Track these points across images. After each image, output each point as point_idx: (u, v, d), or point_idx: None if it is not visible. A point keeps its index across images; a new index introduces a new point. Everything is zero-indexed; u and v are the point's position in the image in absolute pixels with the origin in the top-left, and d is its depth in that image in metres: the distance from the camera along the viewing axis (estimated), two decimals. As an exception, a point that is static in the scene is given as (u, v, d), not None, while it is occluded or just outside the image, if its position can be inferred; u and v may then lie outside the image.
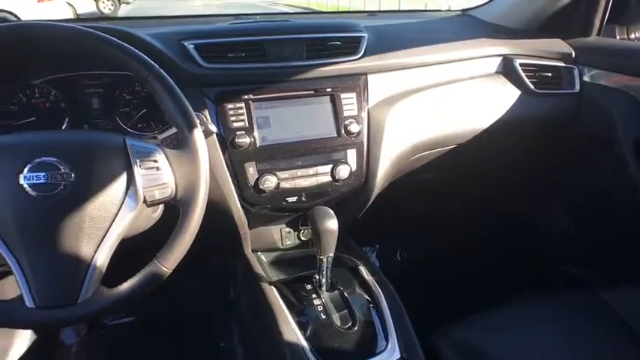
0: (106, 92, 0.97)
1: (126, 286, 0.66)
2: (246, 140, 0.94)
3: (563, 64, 1.26)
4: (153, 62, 0.70)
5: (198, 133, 0.70)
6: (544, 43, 1.29)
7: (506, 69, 1.23)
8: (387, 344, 0.84)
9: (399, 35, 1.21)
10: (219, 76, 0.96)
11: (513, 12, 1.39)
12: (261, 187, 0.95)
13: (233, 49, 0.97)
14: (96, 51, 0.69)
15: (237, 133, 0.94)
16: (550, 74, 1.24)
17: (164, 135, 0.98)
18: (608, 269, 1.30)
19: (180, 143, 0.71)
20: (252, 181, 0.95)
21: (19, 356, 1.28)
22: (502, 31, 1.34)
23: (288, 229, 1.15)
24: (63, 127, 0.94)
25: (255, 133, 0.96)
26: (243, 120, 0.95)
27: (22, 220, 0.62)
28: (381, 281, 0.98)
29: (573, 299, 1.00)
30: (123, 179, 0.66)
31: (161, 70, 0.71)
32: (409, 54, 1.14)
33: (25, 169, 0.62)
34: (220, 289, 1.42)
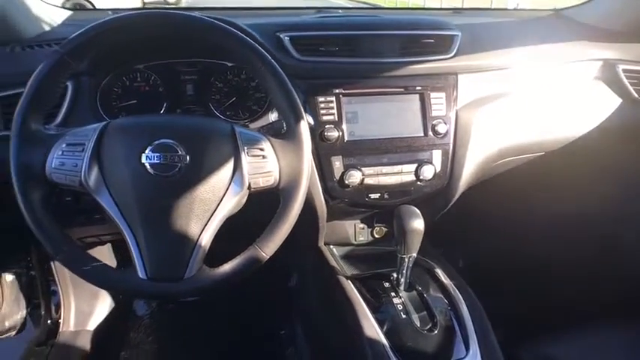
0: (200, 79, 1.01)
1: (227, 267, 0.69)
2: (334, 134, 0.95)
3: (674, 72, 1.16)
4: (266, 53, 0.72)
5: (304, 125, 0.72)
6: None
7: (607, 75, 1.16)
8: (467, 352, 0.83)
9: (491, 35, 1.17)
10: (312, 69, 0.97)
11: (616, 13, 1.29)
12: (345, 181, 0.95)
13: (327, 42, 0.98)
14: (215, 40, 0.72)
15: (327, 126, 0.95)
16: (657, 82, 1.15)
17: (255, 124, 1.00)
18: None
19: (286, 133, 0.73)
20: (337, 175, 0.96)
21: (99, 322, 1.38)
22: (602, 34, 1.25)
23: (362, 225, 1.15)
24: (161, 111, 0.99)
25: (344, 128, 0.96)
26: (332, 114, 0.96)
27: (140, 196, 0.66)
28: (460, 285, 0.96)
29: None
30: (230, 165, 0.69)
31: (273, 61, 0.72)
32: (502, 55, 1.10)
33: (147, 149, 0.66)
34: (281, 277, 1.45)
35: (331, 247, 1.16)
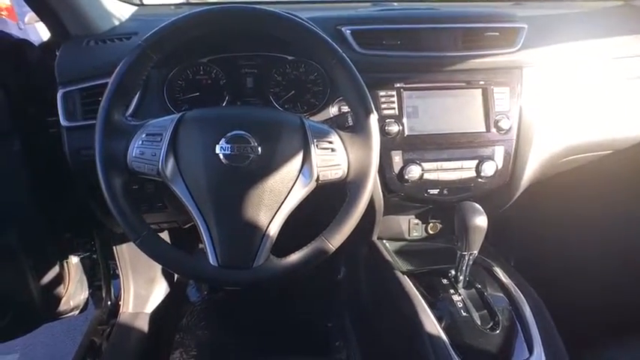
0: (259, 72, 1.02)
1: (294, 257, 0.70)
2: (394, 128, 0.94)
3: None
4: (339, 49, 0.72)
5: (373, 119, 0.72)
6: None
7: (681, 69, 1.09)
8: (530, 353, 0.81)
9: (558, 27, 1.12)
10: (373, 62, 0.96)
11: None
12: (405, 176, 0.95)
13: (389, 36, 0.97)
14: (287, 34, 0.73)
15: (387, 120, 0.94)
16: None
17: (315, 118, 1.01)
18: None
19: (355, 127, 0.73)
20: (396, 170, 0.95)
21: (155, 305, 1.44)
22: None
23: (416, 221, 1.14)
24: (223, 104, 1.01)
25: (404, 122, 0.95)
26: (393, 108, 0.95)
27: (214, 185, 0.68)
28: (521, 284, 0.94)
29: None
30: (300, 157, 0.70)
31: (345, 56, 0.72)
32: (569, 48, 1.05)
33: (222, 140, 0.68)
34: (330, 270, 1.46)
35: (384, 241, 1.16)
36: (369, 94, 0.72)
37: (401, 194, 0.99)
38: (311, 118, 1.01)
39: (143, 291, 1.41)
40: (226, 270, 0.69)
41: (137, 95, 0.91)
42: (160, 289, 1.45)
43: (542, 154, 1.00)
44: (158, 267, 1.43)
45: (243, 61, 1.02)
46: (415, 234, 1.15)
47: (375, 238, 1.14)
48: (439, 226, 1.16)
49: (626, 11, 1.35)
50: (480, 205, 1.02)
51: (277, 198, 0.69)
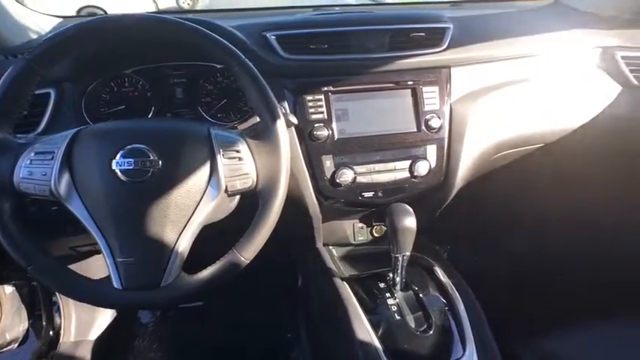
0: (189, 83, 1.00)
1: (205, 273, 0.68)
2: (324, 133, 0.93)
3: (674, 57, 1.12)
4: (240, 53, 0.71)
5: (280, 124, 0.70)
6: (651, 33, 1.16)
7: (606, 62, 1.12)
8: (464, 352, 0.80)
9: (485, 26, 1.14)
10: (300, 67, 0.95)
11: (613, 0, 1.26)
12: (337, 180, 0.93)
13: (315, 40, 0.96)
14: (187, 41, 0.71)
15: (316, 125, 0.93)
16: (658, 68, 1.11)
17: (244, 125, 0.99)
18: None
19: (263, 134, 0.71)
20: (328, 174, 0.94)
21: (100, 331, 1.37)
22: (601, 21, 1.21)
23: (361, 225, 1.13)
24: (149, 116, 0.98)
25: (334, 126, 0.94)
26: (322, 112, 0.94)
27: (113, 204, 0.64)
28: (458, 284, 0.93)
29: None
30: (206, 168, 0.68)
31: (247, 60, 0.71)
32: (496, 46, 1.07)
33: (118, 155, 0.65)
34: (287, 280, 1.43)
35: (330, 247, 1.14)
36: (274, 100, 0.71)
37: (337, 199, 0.98)
38: (242, 126, 0.99)
39: (86, 317, 1.35)
40: (132, 292, 0.65)
41: (49, 111, 0.87)
42: (105, 314, 1.39)
43: (475, 151, 1.01)
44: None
45: (171, 71, 1.00)
46: (360, 238, 1.14)
47: (319, 244, 1.12)
48: (384, 228, 1.14)
49: (555, 8, 1.39)
50: (418, 205, 1.02)
51: (184, 212, 0.66)
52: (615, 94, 1.11)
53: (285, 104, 0.94)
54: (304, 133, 0.93)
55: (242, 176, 0.68)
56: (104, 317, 1.38)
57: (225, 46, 0.70)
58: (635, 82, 1.10)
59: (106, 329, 1.37)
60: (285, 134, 0.71)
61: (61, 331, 1.32)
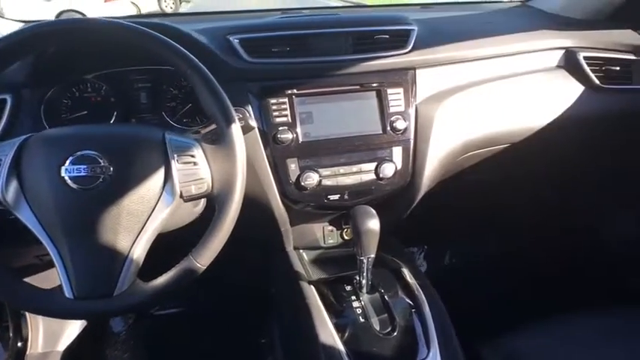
0: (153, 87, 0.98)
1: (161, 280, 0.66)
2: (288, 136, 0.92)
3: (633, 57, 1.15)
4: (192, 56, 0.70)
5: (236, 128, 0.69)
6: (612, 34, 1.18)
7: (569, 63, 1.14)
8: (428, 352, 0.80)
9: (451, 28, 1.15)
10: (263, 70, 0.95)
11: (579, 1, 1.28)
12: (302, 183, 0.93)
13: (277, 43, 0.96)
14: (138, 45, 0.70)
15: (280, 128, 0.92)
16: (618, 68, 1.14)
17: (208, 129, 0.98)
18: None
19: (218, 138, 0.70)
20: (293, 178, 0.93)
21: (69, 341, 1.34)
22: (565, 23, 1.24)
23: (330, 228, 1.12)
24: (111, 121, 0.97)
25: (298, 129, 0.94)
26: (285, 115, 0.93)
27: (63, 211, 0.63)
28: (424, 285, 0.94)
29: (636, 314, 0.90)
30: (160, 174, 0.67)
31: (200, 63, 0.70)
32: (461, 47, 1.08)
33: (67, 162, 0.63)
34: (262, 284, 1.42)
35: (301, 251, 1.14)
36: (228, 103, 0.70)
37: (306, 203, 0.98)
38: (205, 130, 0.98)
39: (55, 327, 1.32)
40: (83, 302, 0.64)
41: (5, 118, 0.85)
42: (74, 324, 1.36)
43: (441, 151, 1.01)
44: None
45: (136, 76, 0.98)
46: (331, 241, 1.13)
47: (289, 248, 1.11)
48: None
49: (524, 10, 1.42)
50: (386, 206, 1.02)
51: (137, 219, 0.65)
52: (578, 94, 1.12)
53: (249, 108, 0.93)
54: (268, 137, 0.93)
55: (197, 181, 0.68)
56: (73, 327, 1.35)
57: (176, 48, 0.69)
58: (597, 82, 1.12)
59: (75, 339, 1.34)
60: (240, 138, 0.70)
61: (29, 343, 1.28)
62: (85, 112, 0.96)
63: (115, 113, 0.97)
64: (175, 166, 0.67)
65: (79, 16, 1.36)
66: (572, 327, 0.89)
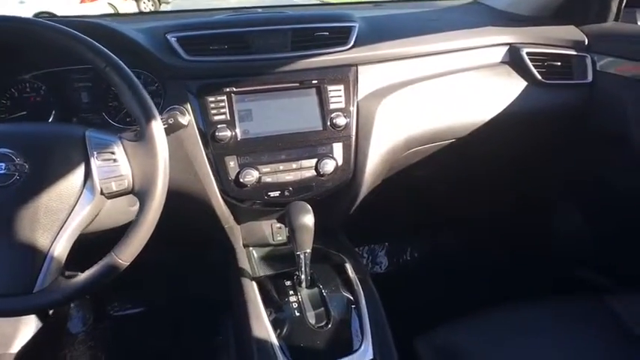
0: (94, 86, 0.98)
1: (82, 277, 0.67)
2: (227, 134, 0.93)
3: (574, 53, 1.17)
4: (110, 53, 0.70)
5: (156, 125, 0.69)
6: (554, 30, 1.20)
7: (512, 58, 1.16)
8: (360, 345, 0.81)
9: (395, 25, 1.16)
10: (202, 68, 0.95)
11: (525, -2, 1.31)
12: (241, 180, 0.93)
13: (215, 41, 0.96)
14: (54, 43, 0.69)
15: (218, 126, 0.93)
16: (559, 63, 1.16)
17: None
18: (620, 273, 1.21)
19: (139, 135, 0.70)
20: (232, 175, 0.94)
21: (24, 343, 1.33)
22: (511, 19, 1.26)
23: (279, 225, 1.13)
24: (49, 120, 0.96)
25: (237, 127, 0.94)
26: (224, 113, 0.94)
27: None
28: (364, 280, 0.95)
29: (573, 304, 0.93)
30: (80, 171, 0.67)
31: (118, 60, 0.70)
32: (404, 44, 1.09)
33: None
34: (219, 283, 1.43)
35: (250, 249, 1.14)
36: (149, 99, 0.70)
37: (247, 200, 0.98)
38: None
39: (8, 329, 1.30)
40: (3, 299, 0.63)
41: None
42: (29, 325, 1.34)
43: (383, 148, 1.02)
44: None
45: (76, 75, 0.97)
46: (279, 238, 1.14)
47: (237, 245, 1.12)
48: None
49: (473, 7, 1.44)
50: (330, 203, 1.03)
51: (57, 216, 0.65)
52: (521, 90, 1.14)
53: (188, 106, 0.94)
54: (207, 135, 0.93)
55: (117, 178, 0.68)
56: (28, 329, 1.34)
57: (93, 45, 0.69)
58: (539, 77, 1.14)
59: (30, 341, 1.32)
60: (161, 135, 0.70)
61: None
62: (25, 112, 0.96)
63: (54, 113, 0.96)
64: (95, 163, 0.67)
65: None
66: (506, 318, 0.91)
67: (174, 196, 0.93)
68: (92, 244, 0.73)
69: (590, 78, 1.15)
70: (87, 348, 1.46)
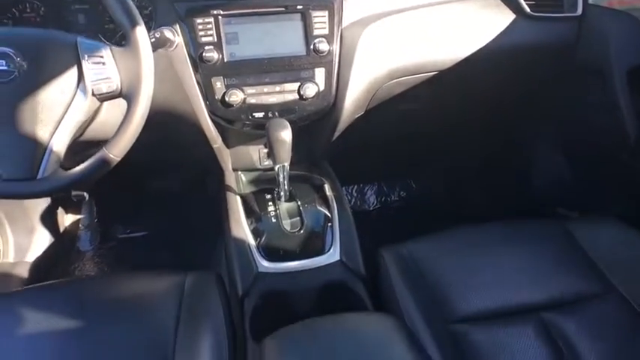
0: (91, 8, 1.03)
1: (79, 169, 0.75)
2: (214, 55, 0.97)
3: (565, -16, 1.16)
4: None
5: (140, 31, 0.74)
6: (547, -39, 1.18)
7: (501, -10, 1.16)
8: (330, 248, 0.89)
9: None
10: None
11: None
12: (227, 100, 0.98)
13: None
14: None
15: (206, 47, 0.97)
16: (550, -5, 1.15)
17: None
18: (590, 207, 1.25)
19: (126, 41, 0.76)
20: (219, 95, 0.99)
21: (39, 254, 1.46)
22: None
23: (266, 150, 1.19)
24: None
25: (224, 49, 0.98)
26: (211, 35, 0.98)
27: None
28: (339, 197, 1.02)
29: (535, 226, 0.99)
30: (73, 72, 0.73)
31: None
32: None
33: None
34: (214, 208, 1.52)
35: (239, 172, 1.22)
36: (133, 6, 0.75)
37: (233, 119, 1.03)
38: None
39: (23, 241, 1.43)
40: (9, 182, 0.72)
41: None
42: (42, 239, 1.47)
43: (365, 77, 1.05)
44: (36, 215, 1.45)
45: None
46: (266, 162, 1.21)
47: (227, 168, 1.19)
48: None
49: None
50: (314, 128, 1.08)
51: (53, 113, 0.72)
52: (509, 22, 1.14)
53: (177, 27, 0.98)
54: (195, 56, 0.98)
55: (106, 80, 0.74)
56: (41, 242, 1.47)
57: None
58: (527, 10, 1.14)
59: (43, 253, 1.46)
60: (145, 39, 0.75)
61: (0, 253, 1.40)
62: None
63: None
64: (86, 65, 0.73)
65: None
66: (470, 234, 0.98)
67: (166, 116, 1.00)
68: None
69: (579, 11, 1.14)
70: (94, 264, 1.59)
